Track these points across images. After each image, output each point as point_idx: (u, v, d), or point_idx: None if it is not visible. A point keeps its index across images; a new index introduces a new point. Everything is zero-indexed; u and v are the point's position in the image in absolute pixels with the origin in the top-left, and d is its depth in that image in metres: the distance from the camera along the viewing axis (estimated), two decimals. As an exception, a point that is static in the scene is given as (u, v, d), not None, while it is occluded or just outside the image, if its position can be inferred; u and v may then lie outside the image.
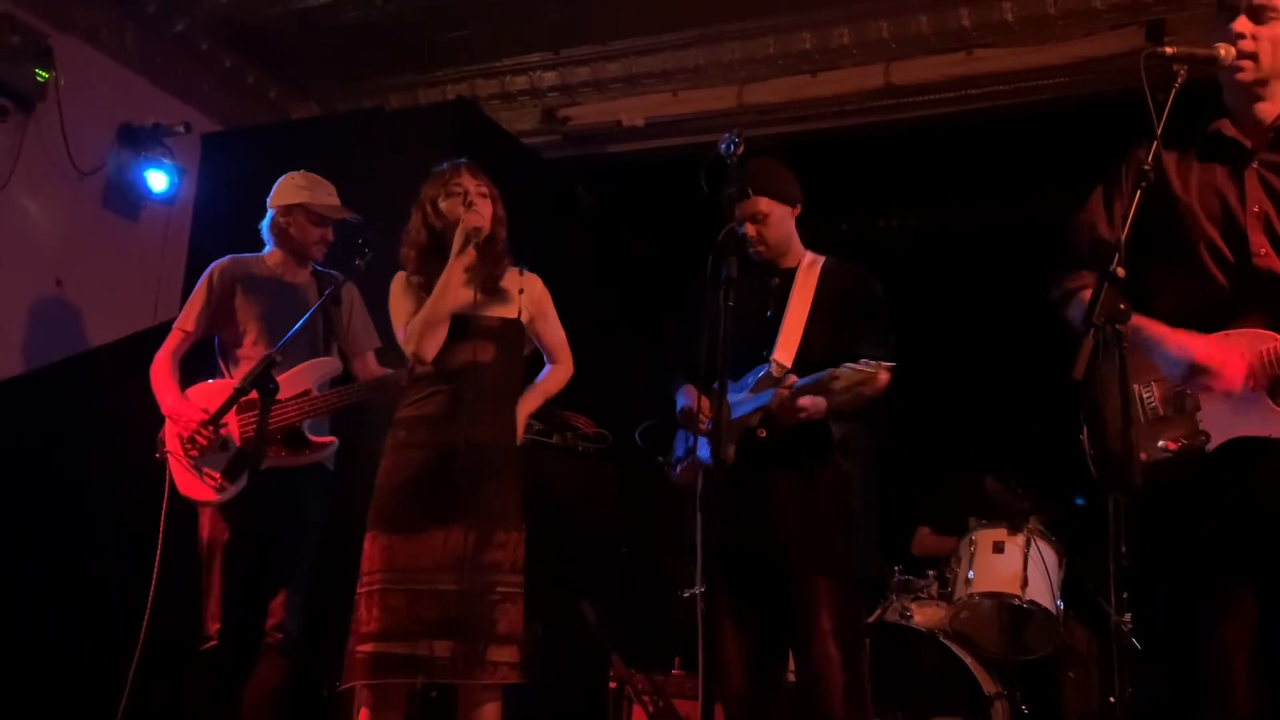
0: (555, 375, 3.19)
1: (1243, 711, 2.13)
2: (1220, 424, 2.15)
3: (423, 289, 2.94)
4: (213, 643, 3.21)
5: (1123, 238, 2.00)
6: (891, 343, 2.88)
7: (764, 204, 2.94)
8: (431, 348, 2.86)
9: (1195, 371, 2.14)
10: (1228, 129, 2.25)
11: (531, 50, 5.47)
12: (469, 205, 2.93)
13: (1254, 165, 2.21)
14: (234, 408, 3.01)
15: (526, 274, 3.09)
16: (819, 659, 2.71)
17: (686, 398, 2.96)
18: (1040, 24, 4.65)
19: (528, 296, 3.05)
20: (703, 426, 2.85)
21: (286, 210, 3.51)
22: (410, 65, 5.63)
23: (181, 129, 5.08)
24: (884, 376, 2.68)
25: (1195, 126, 2.29)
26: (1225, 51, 2.15)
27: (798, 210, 3.03)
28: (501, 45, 5.43)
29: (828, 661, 2.71)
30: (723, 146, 2.45)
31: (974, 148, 5.14)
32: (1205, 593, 2.19)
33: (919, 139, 5.07)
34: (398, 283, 3.00)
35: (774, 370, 2.84)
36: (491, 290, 2.99)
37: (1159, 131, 2.05)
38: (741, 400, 2.86)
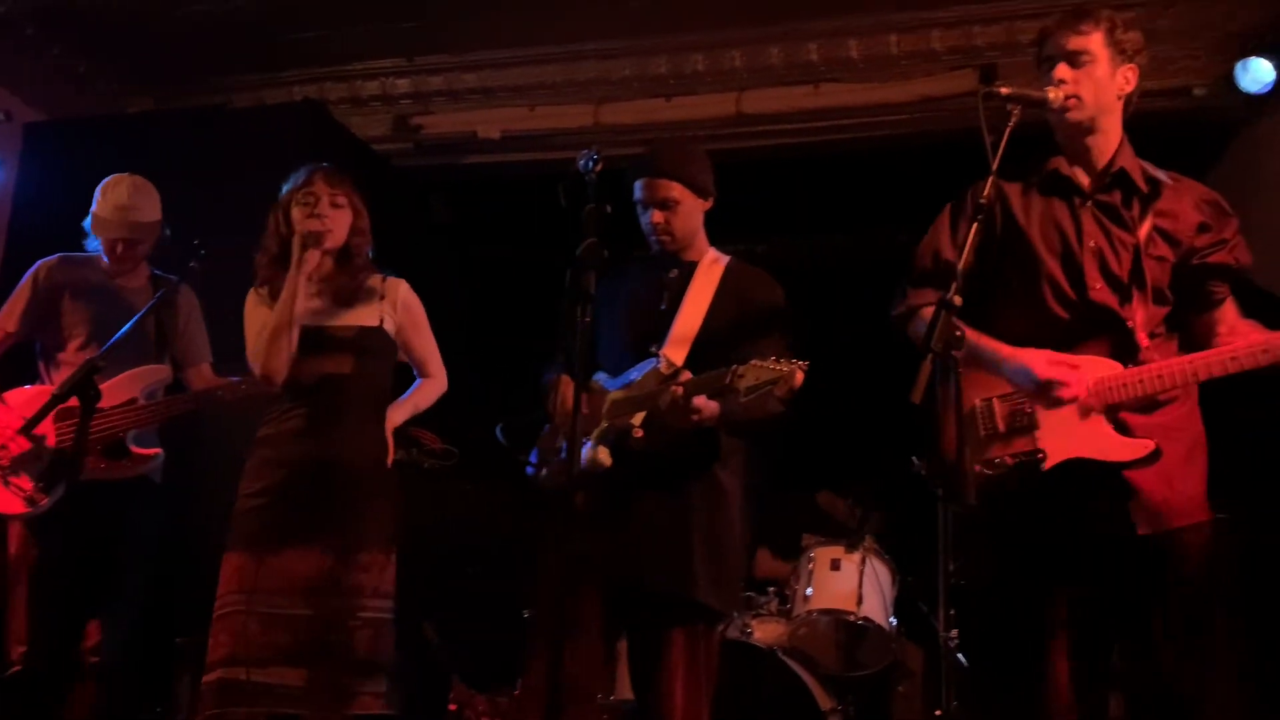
0: (426, 389, 3.07)
1: None
2: (1057, 444, 2.26)
3: (272, 300, 2.81)
4: (17, 668, 2.99)
5: (961, 266, 2.09)
6: (793, 353, 2.60)
7: (677, 190, 2.73)
8: (276, 364, 2.72)
9: (1042, 385, 2.25)
10: (1064, 167, 2.39)
11: (385, 55, 5.35)
12: (315, 214, 2.80)
13: (1089, 203, 2.36)
14: (52, 415, 2.81)
15: (390, 280, 2.97)
16: (663, 702, 2.54)
17: (555, 389, 2.77)
18: (884, 62, 4.86)
19: (389, 303, 2.92)
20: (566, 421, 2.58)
21: (103, 226, 3.34)
22: (256, 64, 5.42)
23: (1, 117, 4.75)
24: (799, 375, 2.37)
25: (1036, 162, 2.42)
26: (1054, 94, 2.29)
27: (709, 204, 2.82)
28: (354, 48, 5.29)
29: (670, 704, 2.53)
30: (581, 163, 2.43)
31: (820, 178, 5.32)
32: (1029, 609, 2.31)
33: (768, 167, 5.21)
34: (250, 297, 2.87)
35: (662, 366, 2.63)
36: (349, 300, 2.87)
37: (994, 167, 2.16)
38: (622, 397, 2.67)
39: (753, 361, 2.36)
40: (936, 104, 4.77)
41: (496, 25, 5.00)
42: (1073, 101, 2.30)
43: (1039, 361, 2.27)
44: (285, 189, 2.89)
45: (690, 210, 2.77)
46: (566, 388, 2.67)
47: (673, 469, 2.62)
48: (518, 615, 3.75)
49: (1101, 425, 2.24)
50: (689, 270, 2.78)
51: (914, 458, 3.12)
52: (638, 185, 2.77)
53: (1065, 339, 2.31)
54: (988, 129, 2.18)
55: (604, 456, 2.59)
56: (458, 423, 4.38)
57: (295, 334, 2.73)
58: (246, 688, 2.54)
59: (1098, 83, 2.31)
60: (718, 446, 2.65)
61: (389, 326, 2.91)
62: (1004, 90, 2.24)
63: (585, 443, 2.60)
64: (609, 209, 2.34)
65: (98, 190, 3.37)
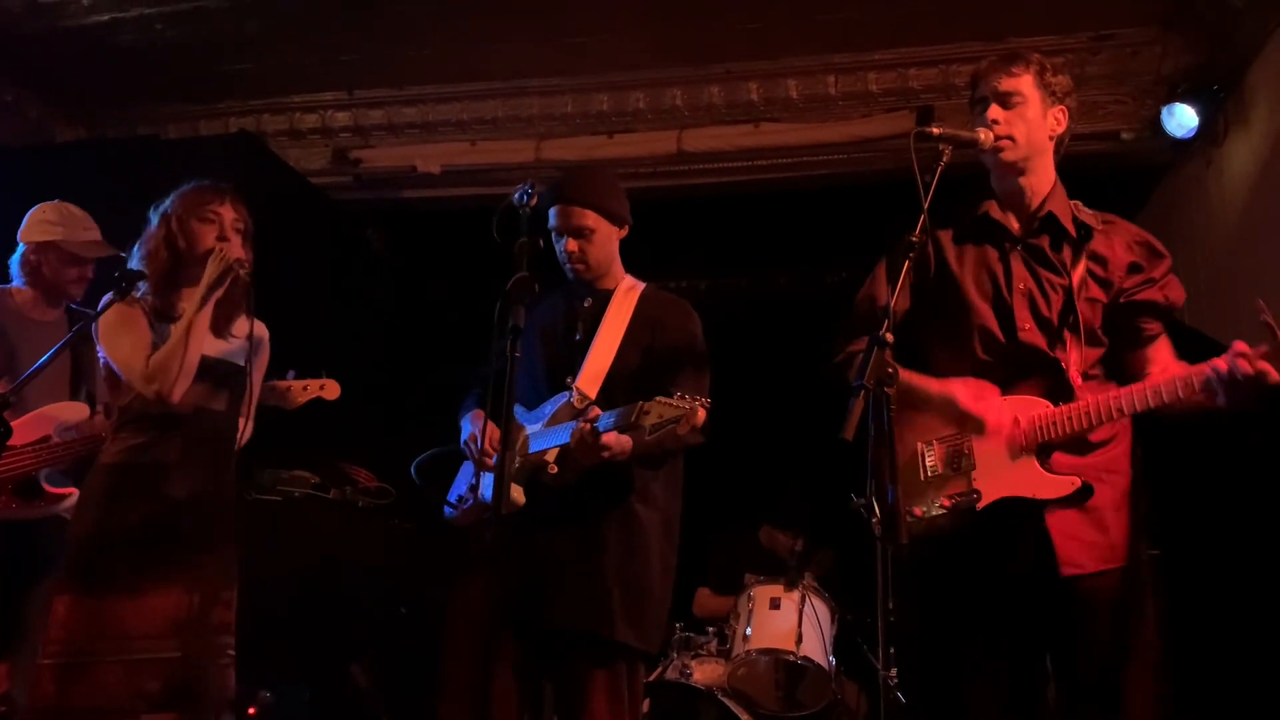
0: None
1: None
2: (991, 484, 2.27)
3: (155, 315, 2.65)
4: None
5: (893, 304, 2.10)
6: (705, 383, 2.66)
7: (591, 219, 2.70)
8: (181, 384, 2.56)
9: (965, 419, 2.27)
10: (995, 211, 2.41)
11: (324, 88, 5.32)
12: (221, 237, 2.67)
13: (1019, 247, 2.38)
14: (-42, 453, 2.69)
15: (258, 322, 2.79)
16: None
17: (473, 425, 2.71)
18: (822, 103, 4.93)
19: (255, 347, 2.77)
20: (488, 461, 2.60)
21: (38, 248, 3.23)
22: (192, 95, 5.36)
23: (-79, 144, 4.62)
24: (700, 413, 2.34)
25: (968, 206, 2.45)
26: (985, 135, 2.31)
27: (625, 232, 2.80)
28: (292, 81, 5.25)
29: None
30: (516, 196, 2.41)
31: (761, 216, 5.36)
32: (960, 649, 2.30)
33: (709, 204, 5.25)
34: (118, 310, 2.62)
35: (575, 400, 2.60)
36: (224, 333, 2.73)
37: (926, 205, 2.17)
38: (537, 432, 2.61)
39: (657, 398, 2.34)
40: (874, 144, 4.85)
41: (438, 59, 5.00)
42: (1005, 143, 2.33)
43: (963, 393, 2.29)
44: (179, 197, 2.74)
45: (605, 238, 2.74)
46: (487, 424, 2.61)
47: (587, 504, 2.57)
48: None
49: (1032, 464, 2.25)
50: (604, 299, 2.76)
51: (853, 495, 3.12)
52: (552, 212, 2.73)
53: (998, 382, 2.33)
54: (920, 169, 2.20)
55: (517, 495, 2.55)
56: (394, 459, 4.33)
57: (196, 357, 2.60)
58: None
59: (1029, 124, 2.34)
60: (632, 480, 2.61)
61: (251, 368, 2.77)
62: (935, 131, 2.26)
63: (488, 483, 2.57)
64: (541, 243, 2.32)
65: (42, 223, 3.24)
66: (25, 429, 2.89)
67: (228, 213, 2.72)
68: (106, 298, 2.67)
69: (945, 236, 2.44)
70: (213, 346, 2.69)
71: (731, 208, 5.29)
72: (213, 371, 2.67)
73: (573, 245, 2.72)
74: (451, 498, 2.77)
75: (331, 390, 3.10)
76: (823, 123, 4.95)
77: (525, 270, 2.27)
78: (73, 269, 3.25)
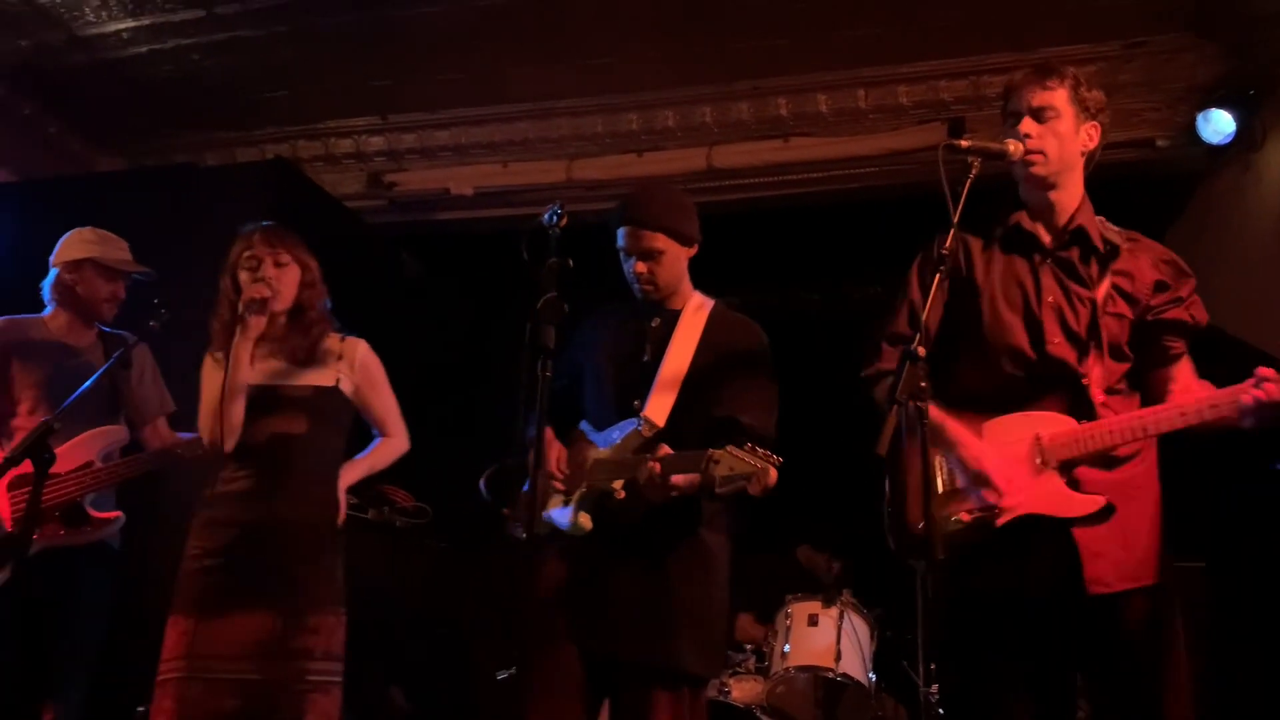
0: (384, 448, 2.99)
1: None
2: (1012, 499, 2.23)
3: (226, 364, 2.76)
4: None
5: (924, 318, 2.09)
6: (774, 408, 2.62)
7: (661, 241, 2.64)
8: (221, 433, 2.68)
9: (981, 481, 2.26)
10: (1026, 223, 2.39)
11: (358, 114, 5.39)
12: (259, 279, 2.76)
13: (1049, 260, 2.36)
14: (4, 483, 2.73)
15: (348, 340, 2.92)
16: None
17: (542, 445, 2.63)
18: (852, 116, 4.92)
19: (347, 363, 2.87)
20: (555, 485, 2.60)
21: (73, 266, 3.27)
22: (229, 123, 5.45)
23: (-32, 178, 4.72)
24: (773, 474, 2.28)
25: (998, 217, 2.43)
26: (1014, 147, 2.29)
27: (694, 250, 2.75)
28: (326, 107, 5.33)
29: None
30: (545, 218, 2.41)
31: (791, 231, 5.35)
32: (988, 664, 2.27)
33: (739, 221, 5.23)
34: (206, 361, 2.83)
35: (644, 429, 2.54)
36: (303, 359, 2.82)
37: (955, 219, 2.16)
38: (604, 457, 2.59)
39: (728, 448, 2.29)
40: (904, 157, 4.82)
41: (469, 83, 5.05)
42: (1037, 157, 2.31)
43: (988, 462, 2.26)
44: (233, 247, 2.85)
45: (674, 259, 2.69)
46: (553, 445, 2.63)
47: (655, 532, 2.53)
48: (489, 676, 3.68)
49: (1055, 481, 2.22)
50: (672, 319, 2.71)
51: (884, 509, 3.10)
52: (620, 233, 2.69)
53: (1024, 395, 2.30)
54: (949, 182, 2.19)
55: (585, 521, 2.53)
56: (427, 480, 4.34)
57: (241, 402, 2.70)
58: None
59: (1061, 139, 2.32)
60: (701, 509, 2.57)
61: (345, 387, 2.87)
62: (964, 143, 2.25)
63: (567, 507, 2.56)
64: (570, 263, 2.32)
65: (79, 243, 3.30)
66: (68, 455, 2.93)
67: (264, 251, 2.81)
68: (149, 324, 2.77)
69: (975, 247, 2.43)
70: (287, 375, 2.78)
71: (762, 223, 5.28)
72: (288, 399, 2.76)
73: (641, 267, 2.67)
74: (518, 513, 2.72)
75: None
76: (853, 136, 4.93)
77: (555, 291, 2.28)
78: (106, 285, 3.29)
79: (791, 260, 5.51)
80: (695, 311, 2.72)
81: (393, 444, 3.01)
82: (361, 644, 3.78)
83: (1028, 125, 2.32)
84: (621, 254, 2.72)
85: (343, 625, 2.71)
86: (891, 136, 4.88)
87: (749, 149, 5.05)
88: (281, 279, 2.79)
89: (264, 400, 2.75)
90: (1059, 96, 2.32)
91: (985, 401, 2.33)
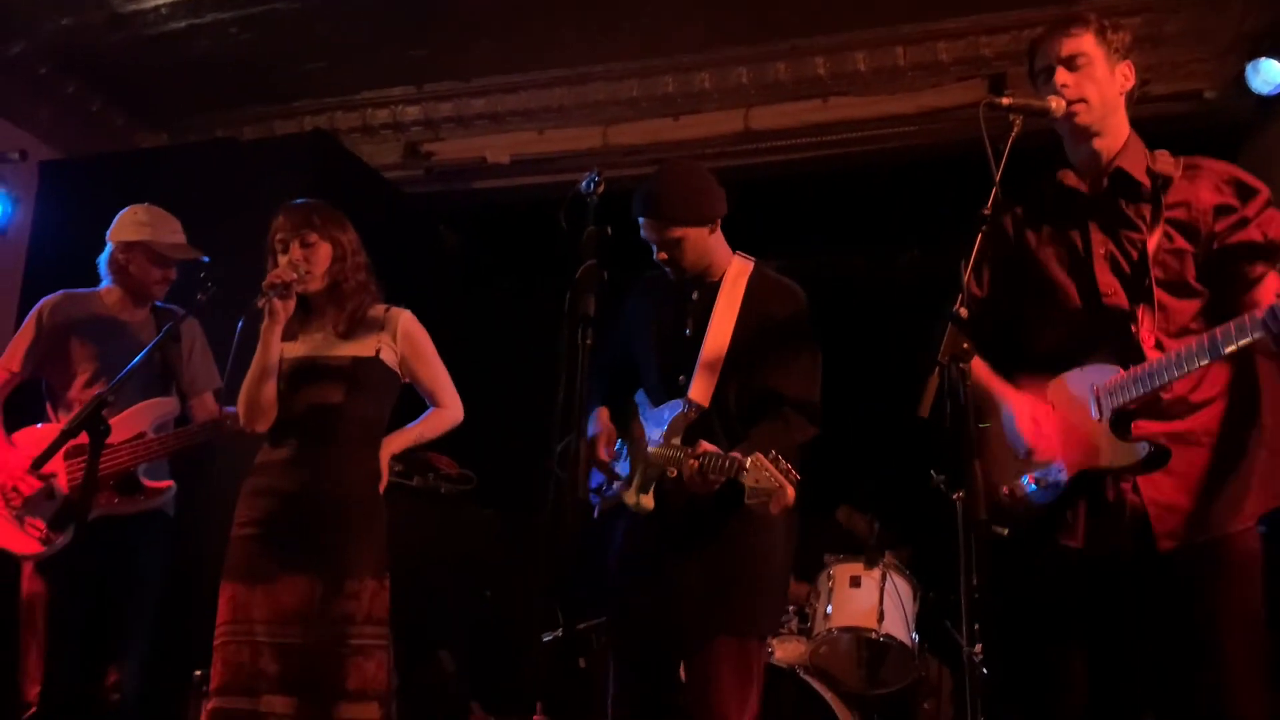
0: (434, 419, 2.99)
1: None
2: (1072, 457, 2.22)
3: (285, 335, 2.82)
4: (33, 709, 2.97)
5: (965, 280, 2.07)
6: (816, 374, 2.70)
7: (676, 231, 2.70)
8: (254, 416, 2.76)
9: (1030, 454, 2.26)
10: (1069, 179, 2.35)
11: (394, 84, 5.40)
12: (290, 262, 2.78)
13: (1095, 210, 2.31)
14: (61, 453, 2.81)
15: (392, 310, 2.93)
16: (706, 708, 2.56)
17: (595, 424, 2.78)
18: (891, 74, 4.85)
19: (389, 334, 2.88)
20: (603, 470, 2.74)
21: (127, 247, 3.33)
22: (267, 96, 5.48)
23: (16, 156, 4.81)
24: (789, 494, 2.38)
25: (1042, 179, 2.39)
26: (1056, 103, 2.25)
27: (717, 225, 2.77)
28: (363, 78, 5.34)
29: (712, 708, 2.55)
30: (583, 185, 2.43)
31: (831, 193, 5.30)
32: (1045, 627, 2.27)
33: (777, 183, 5.20)
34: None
35: (690, 412, 2.66)
36: (344, 332, 2.84)
37: (997, 177, 2.14)
38: (656, 440, 2.71)
39: (756, 455, 2.40)
40: (945, 115, 4.75)
41: (504, 51, 5.04)
42: (1079, 106, 2.26)
43: (1020, 424, 2.26)
44: (270, 230, 2.87)
45: (695, 241, 2.73)
46: (606, 427, 2.76)
47: (711, 502, 2.60)
48: (535, 639, 3.73)
49: (1106, 433, 2.16)
50: (711, 291, 2.76)
51: (933, 471, 3.09)
52: (640, 223, 2.76)
53: (1082, 351, 2.26)
54: (991, 141, 2.16)
55: (647, 502, 2.66)
56: (471, 447, 4.39)
57: (272, 384, 2.75)
58: (240, 715, 2.54)
59: (1099, 83, 2.27)
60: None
61: (387, 357, 2.88)
62: (1005, 101, 2.22)
63: (629, 488, 2.71)
64: (609, 231, 2.33)
65: (133, 223, 3.35)
66: (122, 426, 3.00)
67: (289, 233, 2.82)
68: (196, 298, 2.81)
69: (1021, 212, 2.39)
70: (327, 346, 2.82)
71: (800, 186, 5.24)
72: (327, 369, 2.79)
73: (663, 255, 2.75)
74: (594, 485, 2.81)
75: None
76: (892, 95, 4.86)
77: (594, 258, 2.29)
78: (158, 269, 3.35)
79: (831, 223, 5.46)
80: (734, 281, 2.76)
81: (444, 414, 3.01)
82: (408, 609, 3.86)
83: (1062, 76, 2.26)
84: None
85: (386, 591, 2.75)
86: (931, 94, 4.81)
87: (787, 110, 5.00)
88: (311, 258, 2.80)
89: (304, 372, 2.79)
90: (1086, 41, 2.27)
91: (1050, 363, 2.30)
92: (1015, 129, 2.19)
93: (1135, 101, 2.34)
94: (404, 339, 2.92)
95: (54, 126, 5.35)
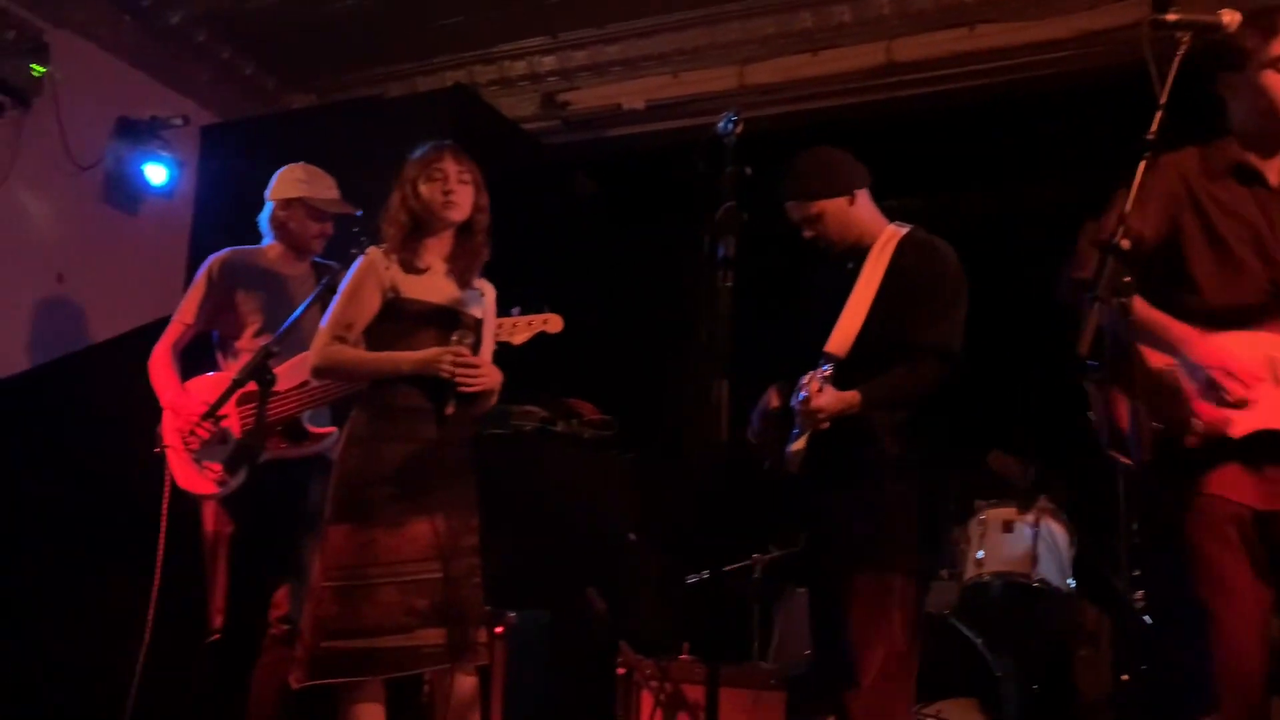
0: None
1: (1253, 697, 2.10)
2: (1249, 415, 2.11)
3: (405, 269, 2.86)
4: (218, 636, 3.21)
5: (1127, 208, 1.96)
6: (946, 330, 2.72)
7: (816, 207, 2.84)
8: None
9: (1214, 383, 2.13)
10: (1249, 158, 2.24)
11: (529, 35, 5.43)
12: (447, 194, 2.85)
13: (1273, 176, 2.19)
14: (233, 400, 2.99)
15: (482, 279, 3.00)
16: (848, 645, 2.65)
17: (766, 395, 2.94)
18: (1042, -3, 4.60)
19: (487, 299, 2.98)
20: (751, 435, 2.91)
21: (285, 204, 3.49)
22: (408, 53, 5.60)
23: (179, 121, 5.06)
24: (818, 397, 2.65)
25: (1215, 143, 2.27)
26: (1230, 17, 2.10)
27: (856, 195, 2.86)
28: (499, 30, 5.39)
29: (854, 643, 2.65)
30: (720, 125, 2.42)
31: (979, 126, 5.09)
32: (1215, 576, 2.16)
33: (922, 118, 5.02)
34: (367, 261, 2.84)
35: (827, 364, 2.77)
36: (467, 286, 2.92)
37: (1162, 100, 2.01)
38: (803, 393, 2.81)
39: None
40: (1101, 38, 4.49)
41: (637, -6, 4.99)
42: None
43: (1228, 357, 2.13)
44: (409, 164, 2.92)
45: (836, 214, 2.85)
46: (769, 393, 2.91)
47: (836, 449, 2.72)
48: (680, 582, 3.79)
49: None
50: (863, 259, 2.85)
51: (1089, 413, 2.97)
52: (786, 207, 2.90)
53: (1256, 309, 2.16)
54: (1156, 62, 2.04)
55: (799, 449, 2.77)
56: (612, 393, 4.45)
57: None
58: (398, 653, 2.64)
59: None
60: (868, 425, 2.73)
61: (483, 319, 2.97)
62: (1172, 17, 2.08)
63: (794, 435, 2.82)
64: (748, 171, 2.30)
65: (291, 180, 3.50)
66: (287, 375, 3.15)
67: (450, 167, 2.89)
68: (350, 251, 2.89)
69: (1194, 154, 2.28)
70: (459, 301, 2.88)
71: (945, 119, 5.04)
72: (463, 323, 2.85)
73: (809, 233, 2.88)
74: (755, 422, 2.96)
75: (554, 324, 3.22)
76: (1043, 19, 4.61)
77: (733, 200, 2.27)
78: (315, 225, 3.50)
79: (981, 157, 5.25)
80: (884, 246, 2.85)
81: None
82: (557, 549, 3.97)
83: None
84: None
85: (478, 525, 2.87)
86: (1087, 16, 4.54)
87: (931, 40, 4.80)
88: (463, 194, 2.89)
89: (444, 317, 2.83)
90: None
91: (1218, 318, 2.19)
92: (1182, 47, 2.05)
93: None
94: (489, 310, 3.01)
95: (211, 92, 5.60)
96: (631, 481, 4.56)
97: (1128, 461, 2.10)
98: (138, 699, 3.23)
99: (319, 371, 2.86)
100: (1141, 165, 2.01)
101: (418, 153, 2.95)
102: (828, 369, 2.75)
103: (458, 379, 2.73)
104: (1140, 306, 2.13)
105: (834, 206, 2.84)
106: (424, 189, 2.87)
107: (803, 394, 2.71)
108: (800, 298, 3.05)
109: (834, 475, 2.75)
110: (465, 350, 2.77)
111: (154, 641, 3.23)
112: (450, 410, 2.74)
